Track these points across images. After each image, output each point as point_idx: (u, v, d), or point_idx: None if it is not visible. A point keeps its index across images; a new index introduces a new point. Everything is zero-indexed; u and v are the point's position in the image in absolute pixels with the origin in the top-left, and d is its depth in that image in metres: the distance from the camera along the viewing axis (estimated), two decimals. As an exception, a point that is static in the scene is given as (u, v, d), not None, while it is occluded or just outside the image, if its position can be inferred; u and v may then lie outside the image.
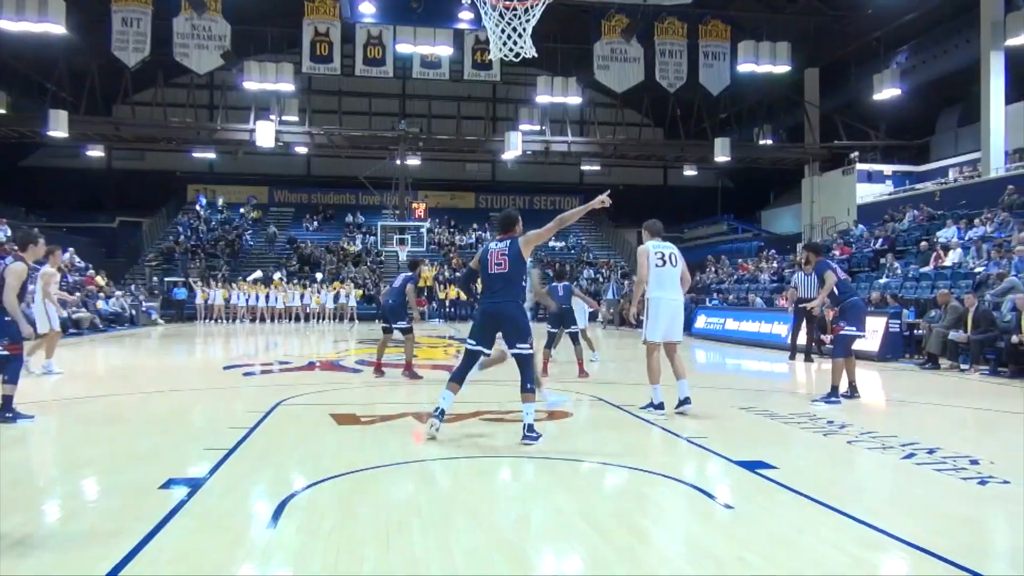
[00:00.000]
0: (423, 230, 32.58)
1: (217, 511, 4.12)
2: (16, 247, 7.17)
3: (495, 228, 6.53)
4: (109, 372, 10.98)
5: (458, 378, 6.09)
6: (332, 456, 5.47)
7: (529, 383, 5.88)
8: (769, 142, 33.93)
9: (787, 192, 36.90)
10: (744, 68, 29.59)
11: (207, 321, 28.01)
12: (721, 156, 32.05)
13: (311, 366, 12.34)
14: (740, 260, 28.43)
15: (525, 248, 5.91)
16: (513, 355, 5.99)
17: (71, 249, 26.60)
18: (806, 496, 4.40)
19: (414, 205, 34.39)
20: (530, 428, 5.83)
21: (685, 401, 7.20)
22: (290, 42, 30.06)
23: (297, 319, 28.65)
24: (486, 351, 6.15)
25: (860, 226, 25.38)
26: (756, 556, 3.46)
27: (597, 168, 38.49)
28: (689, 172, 38.07)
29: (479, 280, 6.28)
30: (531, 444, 5.73)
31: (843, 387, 8.30)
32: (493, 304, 5.95)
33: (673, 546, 3.65)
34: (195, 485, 4.56)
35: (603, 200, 5.97)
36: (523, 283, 5.97)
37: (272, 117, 30.71)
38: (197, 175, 39.43)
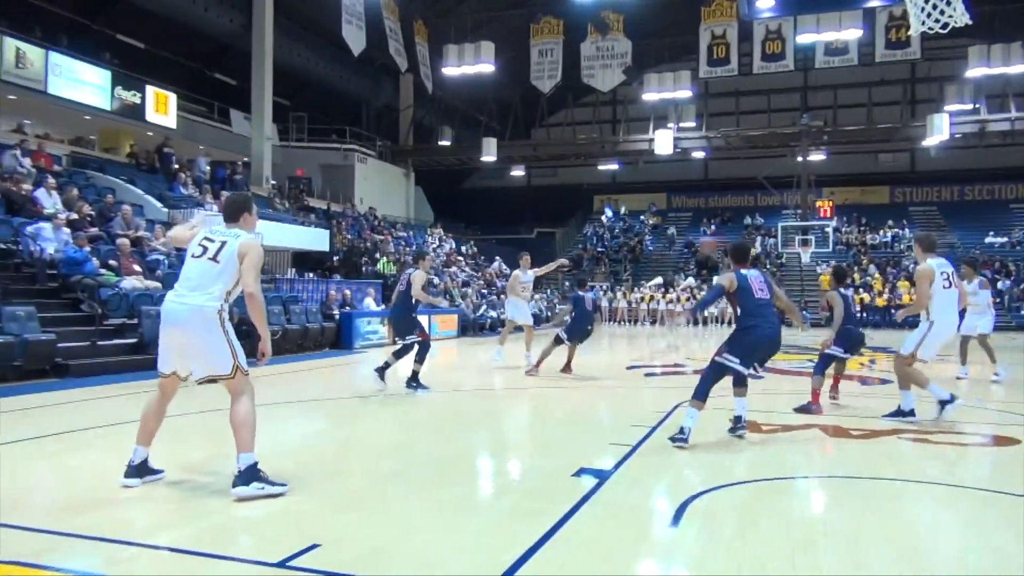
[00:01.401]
0: (828, 229, 30.40)
1: (623, 503, 4.33)
2: (414, 261, 9.48)
3: (732, 258, 6.40)
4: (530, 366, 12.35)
5: (705, 396, 5.92)
6: (733, 461, 5.40)
7: (746, 380, 6.18)
8: None
9: None
10: None
11: (611, 323, 29.78)
12: None
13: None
14: None
15: (776, 287, 6.29)
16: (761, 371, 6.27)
17: (499, 258, 30.51)
18: None
19: (819, 203, 32.25)
20: (743, 420, 6.14)
21: (908, 413, 6.86)
22: (687, 49, 30.49)
23: (696, 323, 28.93)
24: (747, 373, 6.03)
25: None
26: None
27: (1054, 147, 31.94)
28: None
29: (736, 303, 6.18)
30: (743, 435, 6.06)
31: None
32: (773, 330, 6.04)
33: None
34: (602, 476, 4.86)
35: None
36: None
37: (670, 125, 31.46)
38: (602, 186, 42.16)
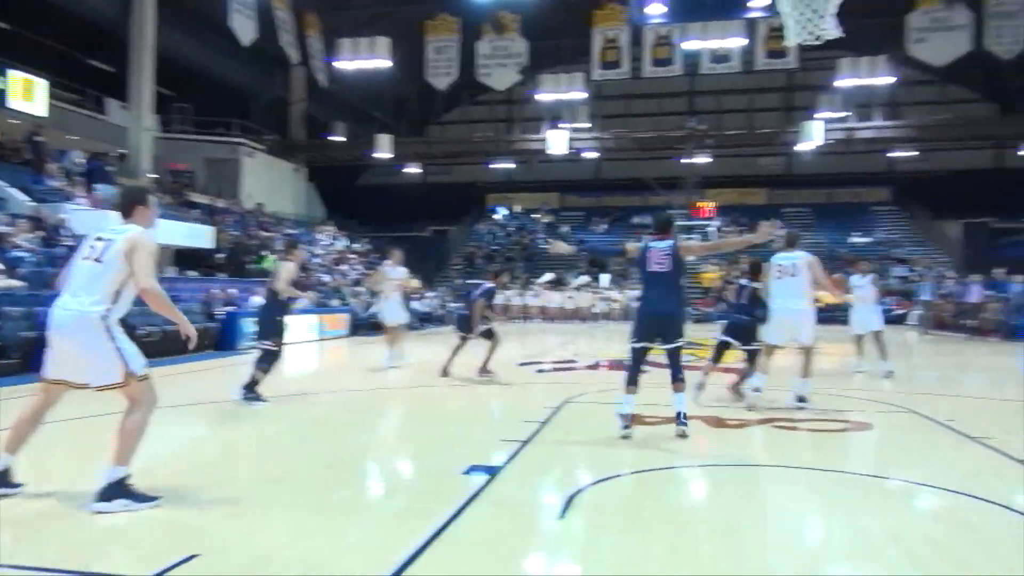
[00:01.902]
0: (710, 229, 31.75)
1: (512, 499, 4.39)
2: (285, 251, 8.74)
3: (653, 228, 6.48)
4: (421, 366, 12.23)
5: (633, 380, 6.09)
6: (618, 454, 5.54)
7: (680, 374, 6.05)
8: None
9: None
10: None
11: (504, 320, 30.01)
12: (1075, 130, 26.97)
13: (598, 365, 12.65)
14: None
15: (684, 252, 6.18)
16: (670, 350, 6.09)
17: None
18: None
19: (699, 204, 33.62)
20: (683, 416, 6.01)
21: (800, 400, 7.49)
22: (580, 52, 31.11)
23: (583, 319, 29.53)
24: (649, 346, 6.15)
25: None
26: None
27: (910, 154, 34.53)
28: (1030, 152, 32.57)
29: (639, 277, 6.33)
30: (685, 429, 5.97)
31: None
32: (657, 304, 6.10)
33: (1006, 587, 3.15)
34: (492, 473, 4.89)
35: (768, 232, 6.35)
36: (681, 283, 6.27)
37: (563, 125, 32.02)
38: (496, 185, 42.37)
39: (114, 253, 4.09)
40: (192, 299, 15.51)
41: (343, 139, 32.95)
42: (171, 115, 27.89)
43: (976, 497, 4.34)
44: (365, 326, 21.36)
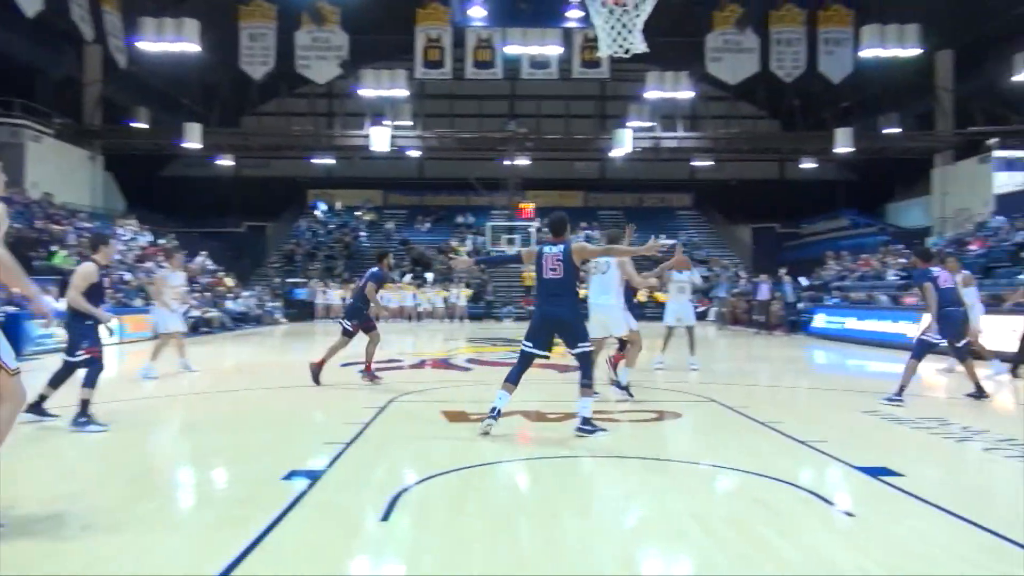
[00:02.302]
0: (532, 229, 32.74)
1: (335, 503, 4.29)
2: (89, 249, 7.25)
3: (548, 230, 6.49)
4: (236, 369, 11.64)
5: (513, 379, 6.19)
6: (443, 452, 5.58)
7: (587, 379, 6.09)
8: (896, 131, 31.97)
9: (915, 184, 34.69)
10: (868, 53, 28.04)
11: (326, 320, 29.22)
12: (842, 147, 30.54)
13: (423, 364, 12.66)
14: (864, 256, 26.85)
15: (576, 255, 6.10)
16: (574, 354, 6.13)
17: (204, 252, 28.43)
18: (934, 505, 4.14)
19: (521, 205, 34.60)
20: (584, 421, 6.01)
21: (618, 386, 8.15)
22: (403, 49, 30.91)
23: (409, 318, 29.44)
24: (541, 354, 6.25)
25: (998, 217, 23.51)
26: (877, 566, 3.30)
27: (709, 164, 37.56)
28: (807, 165, 36.52)
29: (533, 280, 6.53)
30: (585, 436, 5.94)
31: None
32: (551, 309, 6.12)
33: (789, 553, 3.51)
34: (314, 477, 4.77)
35: (654, 248, 6.41)
36: (576, 287, 6.23)
37: (386, 123, 31.67)
38: (317, 180, 41.11)
39: None
40: (-37, 299, 13.76)
41: (146, 126, 30.55)
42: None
43: (767, 476, 4.82)
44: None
